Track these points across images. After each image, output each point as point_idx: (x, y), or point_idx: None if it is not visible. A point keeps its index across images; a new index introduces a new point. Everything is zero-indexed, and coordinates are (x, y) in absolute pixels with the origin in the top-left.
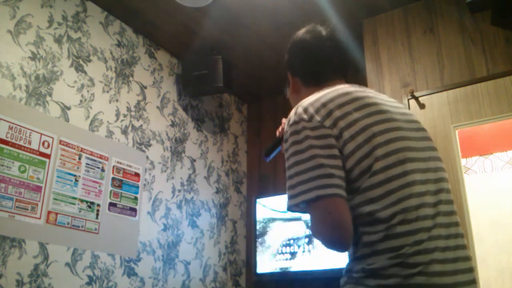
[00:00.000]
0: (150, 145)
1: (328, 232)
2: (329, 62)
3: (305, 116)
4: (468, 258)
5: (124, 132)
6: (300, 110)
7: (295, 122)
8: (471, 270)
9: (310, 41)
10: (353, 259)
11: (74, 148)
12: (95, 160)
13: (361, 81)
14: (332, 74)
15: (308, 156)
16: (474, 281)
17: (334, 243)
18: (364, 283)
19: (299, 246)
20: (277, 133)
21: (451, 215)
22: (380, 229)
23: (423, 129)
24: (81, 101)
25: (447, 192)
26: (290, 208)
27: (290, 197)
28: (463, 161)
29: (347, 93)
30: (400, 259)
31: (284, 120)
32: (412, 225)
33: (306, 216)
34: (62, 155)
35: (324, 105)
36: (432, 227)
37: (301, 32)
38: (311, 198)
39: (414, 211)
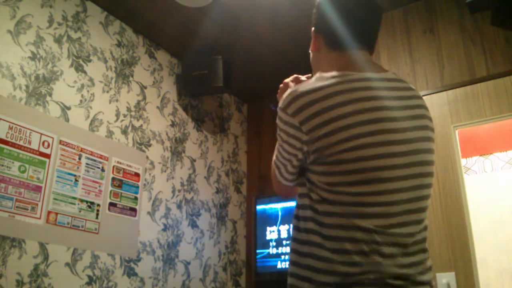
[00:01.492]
0: (150, 145)
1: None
2: (357, 25)
3: (287, 107)
4: None
5: (124, 132)
6: (288, 98)
7: (280, 109)
8: None
9: None
10: None
11: (74, 148)
12: (95, 160)
13: None
14: (357, 41)
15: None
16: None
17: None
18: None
19: None
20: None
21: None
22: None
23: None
24: (81, 101)
25: None
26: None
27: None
28: (463, 161)
29: (340, 91)
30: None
31: (286, 80)
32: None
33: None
34: (62, 155)
35: (308, 104)
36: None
37: None
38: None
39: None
